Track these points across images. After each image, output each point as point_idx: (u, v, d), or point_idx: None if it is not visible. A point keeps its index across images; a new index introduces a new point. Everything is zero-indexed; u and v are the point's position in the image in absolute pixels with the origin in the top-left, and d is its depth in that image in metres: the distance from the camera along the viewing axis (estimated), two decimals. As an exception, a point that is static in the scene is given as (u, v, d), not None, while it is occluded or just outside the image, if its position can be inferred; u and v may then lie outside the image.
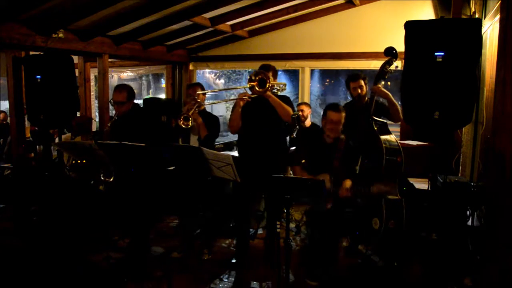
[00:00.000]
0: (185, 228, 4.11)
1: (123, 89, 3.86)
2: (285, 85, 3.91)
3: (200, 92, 4.01)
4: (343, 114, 3.53)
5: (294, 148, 4.04)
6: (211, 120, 4.02)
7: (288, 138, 4.84)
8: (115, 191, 4.03)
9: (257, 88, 3.52)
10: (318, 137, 3.70)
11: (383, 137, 3.39)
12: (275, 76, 3.87)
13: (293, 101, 3.94)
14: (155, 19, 4.95)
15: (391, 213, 3.25)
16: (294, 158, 3.86)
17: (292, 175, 4.39)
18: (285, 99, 3.74)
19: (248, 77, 3.59)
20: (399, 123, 4.34)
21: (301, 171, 3.64)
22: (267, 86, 3.50)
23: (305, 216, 4.15)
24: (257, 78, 3.52)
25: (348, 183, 3.40)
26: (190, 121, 3.78)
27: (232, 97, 3.97)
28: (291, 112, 3.65)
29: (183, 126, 3.78)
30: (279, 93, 3.81)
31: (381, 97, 3.69)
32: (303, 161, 3.63)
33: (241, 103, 3.65)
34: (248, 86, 3.55)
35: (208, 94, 4.77)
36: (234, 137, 4.44)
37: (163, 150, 3.39)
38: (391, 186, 3.37)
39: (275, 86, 3.76)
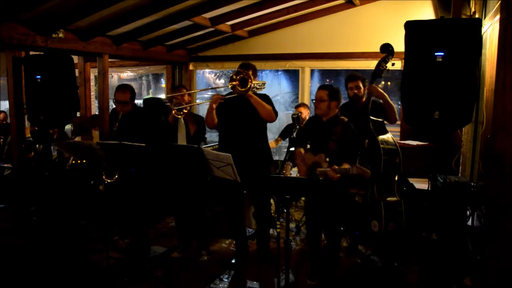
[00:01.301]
0: (183, 229, 4.10)
1: (127, 89, 3.89)
2: (264, 83, 3.92)
3: (185, 92, 4.09)
4: (325, 91, 3.49)
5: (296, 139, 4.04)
6: (197, 120, 4.10)
7: (288, 138, 4.85)
8: (115, 191, 4.03)
9: (238, 88, 3.50)
10: (316, 118, 3.67)
11: (380, 137, 3.38)
12: (254, 75, 3.85)
13: (293, 102, 3.94)
14: (155, 19, 4.94)
15: (390, 216, 3.25)
16: (297, 141, 3.86)
17: (292, 175, 4.40)
18: (265, 97, 3.73)
19: (229, 77, 3.58)
20: (399, 122, 4.33)
21: (300, 154, 3.65)
22: (249, 85, 3.49)
23: (304, 210, 4.14)
24: (238, 77, 3.50)
25: (345, 165, 3.31)
26: (184, 111, 3.84)
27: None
28: (272, 112, 3.65)
29: (177, 115, 3.85)
30: (258, 92, 3.81)
31: (377, 97, 3.67)
32: (308, 146, 3.62)
33: (214, 106, 3.66)
34: (229, 85, 3.54)
35: (208, 94, 4.79)
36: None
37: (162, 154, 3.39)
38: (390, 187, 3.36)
39: (255, 84, 3.75)
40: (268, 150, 3.95)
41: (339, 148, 3.37)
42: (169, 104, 4.15)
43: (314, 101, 3.60)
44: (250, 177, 3.35)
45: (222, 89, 3.87)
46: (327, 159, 3.33)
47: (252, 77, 3.56)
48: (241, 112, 3.69)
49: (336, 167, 3.28)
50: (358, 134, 3.47)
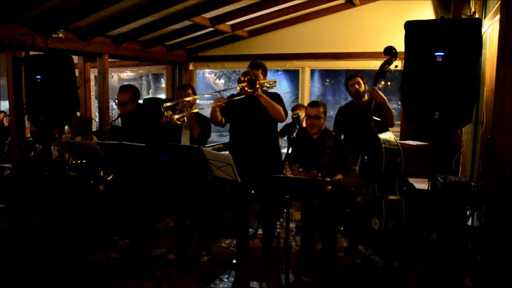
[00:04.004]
0: (181, 229, 4.09)
1: (128, 89, 3.88)
2: (275, 82, 3.85)
3: (190, 92, 3.96)
4: (321, 109, 3.47)
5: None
6: (203, 120, 3.95)
7: (287, 138, 4.84)
8: (115, 191, 4.03)
9: (247, 89, 3.45)
10: (305, 135, 3.65)
11: (382, 136, 3.39)
12: (265, 74, 3.81)
13: (293, 102, 3.91)
14: (155, 19, 4.94)
15: (390, 214, 3.26)
16: (290, 158, 3.86)
17: (290, 175, 4.40)
18: (275, 96, 3.69)
19: (237, 78, 3.52)
20: (398, 122, 4.33)
21: (297, 170, 3.64)
22: (257, 86, 3.44)
23: (301, 209, 4.14)
24: (246, 78, 3.45)
25: (338, 177, 3.33)
26: (185, 117, 3.70)
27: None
28: (282, 111, 3.62)
29: (178, 122, 3.70)
30: (269, 90, 3.78)
31: (376, 100, 3.66)
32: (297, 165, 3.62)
33: (217, 109, 3.58)
34: (238, 87, 3.51)
35: (208, 95, 4.71)
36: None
37: (162, 154, 3.34)
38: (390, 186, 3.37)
39: (265, 84, 3.72)
40: (278, 150, 3.91)
41: (332, 161, 3.36)
42: (173, 103, 3.99)
43: (309, 117, 3.51)
44: (259, 176, 3.32)
45: (225, 92, 3.76)
46: (320, 174, 3.31)
47: (260, 77, 3.52)
48: (251, 112, 3.66)
49: (329, 179, 3.27)
50: (349, 146, 3.48)
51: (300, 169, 3.57)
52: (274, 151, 3.84)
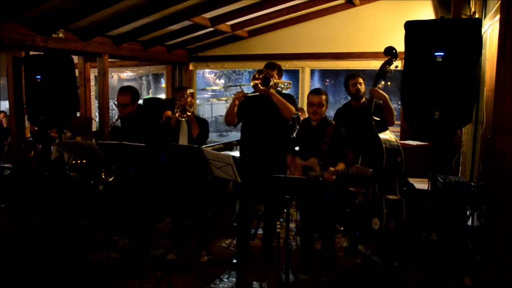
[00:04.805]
0: (179, 229, 4.08)
1: (127, 91, 3.85)
2: (290, 83, 3.90)
3: (189, 92, 3.98)
4: (323, 97, 3.48)
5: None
6: (200, 122, 3.98)
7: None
8: (115, 191, 4.03)
9: (260, 86, 3.51)
10: (305, 123, 3.66)
11: (383, 136, 3.39)
12: (280, 74, 3.85)
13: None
14: (155, 19, 4.95)
15: (391, 213, 3.26)
16: (288, 146, 3.87)
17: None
18: (289, 97, 3.72)
19: (252, 75, 3.58)
20: (398, 122, 4.33)
21: (291, 157, 3.64)
22: (270, 84, 3.49)
23: (297, 206, 4.14)
24: (260, 76, 3.51)
25: (340, 166, 3.34)
26: (187, 113, 3.74)
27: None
28: (294, 111, 3.64)
29: (180, 118, 3.76)
30: (283, 92, 3.80)
31: (378, 99, 3.67)
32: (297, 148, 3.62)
33: (237, 102, 3.63)
34: (251, 83, 3.55)
35: (208, 94, 4.75)
36: (234, 137, 4.45)
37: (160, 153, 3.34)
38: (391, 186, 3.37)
39: (279, 84, 3.74)
40: (287, 150, 3.91)
41: (332, 150, 3.36)
42: (176, 102, 4.03)
43: (311, 105, 3.53)
44: (268, 176, 3.33)
45: (222, 89, 3.81)
46: (320, 163, 3.32)
47: (275, 77, 3.55)
48: (263, 111, 3.68)
49: (332, 168, 3.29)
50: (348, 136, 3.48)
51: (298, 161, 3.56)
52: (284, 150, 3.83)
